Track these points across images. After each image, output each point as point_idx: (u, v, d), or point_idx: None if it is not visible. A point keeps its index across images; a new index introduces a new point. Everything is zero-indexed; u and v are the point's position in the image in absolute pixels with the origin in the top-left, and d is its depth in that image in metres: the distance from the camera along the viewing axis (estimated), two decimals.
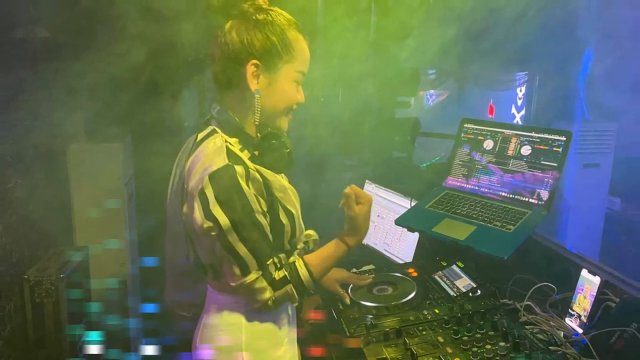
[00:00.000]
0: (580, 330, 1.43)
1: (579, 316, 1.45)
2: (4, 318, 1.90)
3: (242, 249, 1.18)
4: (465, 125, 1.91)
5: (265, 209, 1.22)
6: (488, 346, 1.38)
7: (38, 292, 1.96)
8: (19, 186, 2.03)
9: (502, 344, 1.39)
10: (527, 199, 1.68)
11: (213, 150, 1.21)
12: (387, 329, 1.47)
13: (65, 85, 2.16)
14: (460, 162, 1.88)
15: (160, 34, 2.10)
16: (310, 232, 1.42)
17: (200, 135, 1.29)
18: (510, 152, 1.76)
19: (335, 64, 2.31)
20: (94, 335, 2.24)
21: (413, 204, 1.99)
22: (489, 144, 1.83)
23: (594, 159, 3.82)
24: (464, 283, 1.73)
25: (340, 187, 1.35)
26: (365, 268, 1.94)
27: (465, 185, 1.85)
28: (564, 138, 1.66)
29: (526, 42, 3.34)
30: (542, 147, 1.69)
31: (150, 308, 2.52)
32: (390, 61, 2.49)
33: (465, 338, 1.43)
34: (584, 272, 1.48)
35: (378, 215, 2.25)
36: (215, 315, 1.32)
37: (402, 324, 1.53)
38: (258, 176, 1.22)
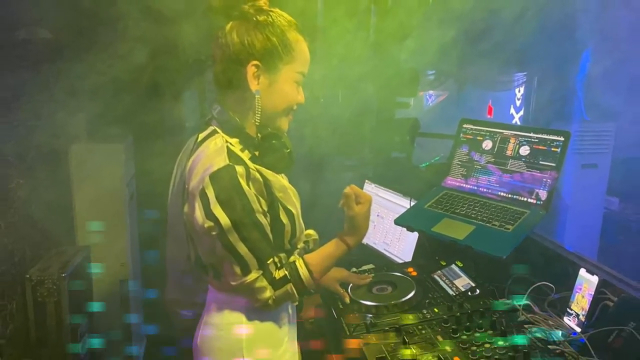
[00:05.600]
0: (578, 329, 1.44)
1: (577, 315, 1.46)
2: (6, 317, 1.91)
3: (242, 249, 1.19)
4: (464, 125, 1.92)
5: (265, 209, 1.23)
6: (487, 345, 1.39)
7: (40, 292, 1.97)
8: (21, 186, 2.04)
9: (500, 342, 1.39)
10: (525, 199, 1.69)
11: (214, 151, 1.21)
12: (387, 328, 1.48)
13: (67, 86, 2.16)
14: (459, 162, 1.89)
15: (161, 35, 2.11)
16: (310, 231, 1.43)
17: (201, 136, 1.29)
18: (509, 152, 1.77)
19: (335, 65, 2.32)
20: (96, 334, 2.25)
21: (412, 203, 1.99)
22: (487, 144, 1.84)
23: (592, 159, 3.81)
24: (463, 282, 1.74)
25: (340, 187, 1.35)
26: (365, 267, 1.95)
27: (464, 185, 1.85)
28: (562, 138, 1.67)
29: (525, 43, 3.34)
30: (540, 147, 1.70)
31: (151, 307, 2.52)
32: (389, 62, 2.49)
33: (464, 337, 1.44)
34: (582, 272, 1.49)
35: (378, 215, 2.25)
36: (216, 314, 1.32)
37: (401, 323, 1.53)
38: (258, 176, 1.22)
